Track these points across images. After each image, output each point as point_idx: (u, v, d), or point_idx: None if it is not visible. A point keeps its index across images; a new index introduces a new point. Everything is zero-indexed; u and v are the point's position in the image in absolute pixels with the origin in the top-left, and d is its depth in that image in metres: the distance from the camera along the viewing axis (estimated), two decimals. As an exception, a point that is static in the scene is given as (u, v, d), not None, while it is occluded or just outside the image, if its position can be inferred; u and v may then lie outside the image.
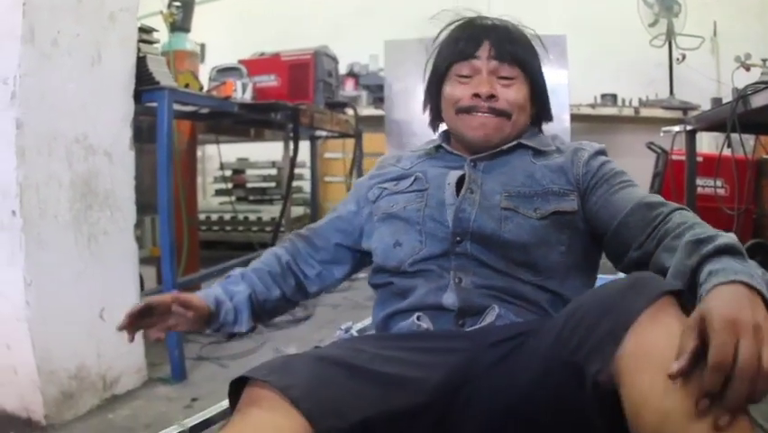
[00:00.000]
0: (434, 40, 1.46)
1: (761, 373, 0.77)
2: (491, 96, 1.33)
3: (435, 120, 1.49)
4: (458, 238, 1.26)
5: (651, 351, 0.86)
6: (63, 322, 2.17)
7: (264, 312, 1.45)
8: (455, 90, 1.37)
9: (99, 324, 2.31)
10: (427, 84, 1.47)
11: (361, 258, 1.51)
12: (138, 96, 2.53)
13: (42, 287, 2.09)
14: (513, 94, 1.35)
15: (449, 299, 1.22)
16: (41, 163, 2.10)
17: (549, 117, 1.47)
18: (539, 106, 1.43)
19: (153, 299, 1.28)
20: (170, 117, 2.59)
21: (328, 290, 1.58)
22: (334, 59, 4.49)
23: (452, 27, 1.44)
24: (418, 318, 1.22)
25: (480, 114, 1.34)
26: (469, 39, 1.38)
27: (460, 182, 1.33)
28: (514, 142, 1.36)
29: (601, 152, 1.36)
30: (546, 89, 1.44)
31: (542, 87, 1.42)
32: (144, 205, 2.66)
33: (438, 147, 1.45)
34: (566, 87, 4.00)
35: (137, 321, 1.25)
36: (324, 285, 1.52)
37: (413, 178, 1.40)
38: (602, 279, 1.34)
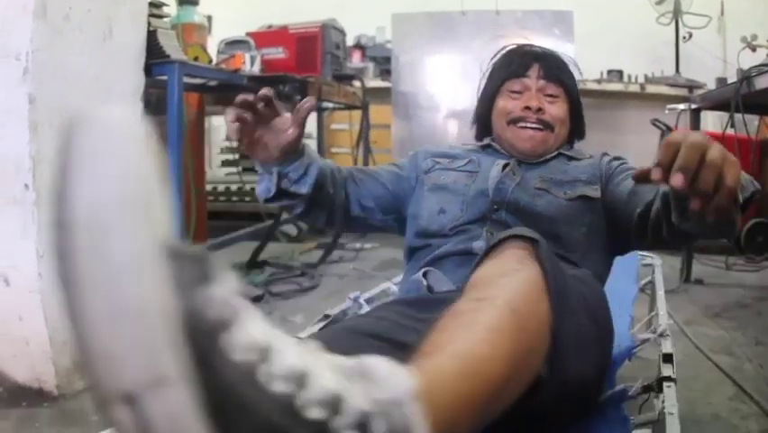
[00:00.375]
0: (489, 62, 1.70)
1: (725, 181, 0.86)
2: (539, 110, 1.54)
3: (482, 132, 1.70)
4: (495, 206, 1.43)
5: (477, 279, 0.96)
6: (75, 293, 2.20)
7: (318, 195, 1.50)
8: (507, 104, 1.59)
9: (110, 295, 2.34)
10: (480, 99, 1.69)
11: (402, 220, 1.63)
12: (148, 70, 2.55)
13: (55, 259, 2.11)
14: (556, 109, 1.57)
15: (479, 244, 1.37)
16: (53, 137, 2.11)
17: (582, 135, 1.69)
18: (574, 124, 1.64)
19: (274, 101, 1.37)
20: (181, 90, 2.61)
21: (363, 229, 1.74)
22: (342, 32, 4.48)
23: (504, 52, 1.68)
24: (425, 275, 1.33)
25: (528, 125, 1.55)
26: (521, 61, 1.61)
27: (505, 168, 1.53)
28: (555, 153, 1.58)
29: (621, 157, 1.59)
30: (582, 110, 1.66)
31: (579, 106, 1.64)
32: (153, 177, 2.68)
33: (487, 146, 1.65)
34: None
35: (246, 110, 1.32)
36: (368, 216, 1.62)
37: (467, 160, 1.59)
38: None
